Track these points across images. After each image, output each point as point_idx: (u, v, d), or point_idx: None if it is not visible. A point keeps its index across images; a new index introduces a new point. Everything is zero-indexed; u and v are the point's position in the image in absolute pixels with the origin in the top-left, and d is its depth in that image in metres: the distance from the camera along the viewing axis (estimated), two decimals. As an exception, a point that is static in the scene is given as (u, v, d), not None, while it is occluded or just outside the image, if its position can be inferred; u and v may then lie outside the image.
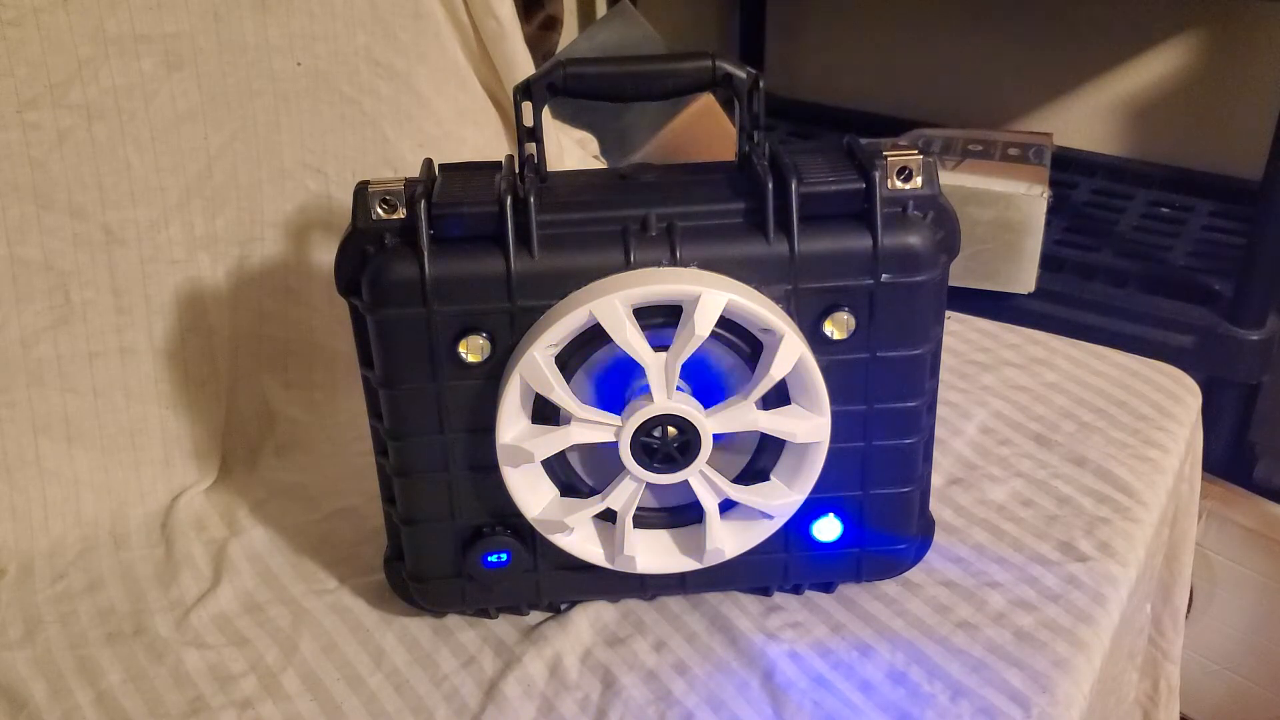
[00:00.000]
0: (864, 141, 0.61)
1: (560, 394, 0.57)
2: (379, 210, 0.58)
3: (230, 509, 0.77)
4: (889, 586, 0.67)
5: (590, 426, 0.58)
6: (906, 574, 0.68)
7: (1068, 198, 1.25)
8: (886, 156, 0.58)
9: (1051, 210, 1.06)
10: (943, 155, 1.12)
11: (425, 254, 0.56)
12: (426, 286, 0.56)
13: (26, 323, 0.72)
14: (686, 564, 0.63)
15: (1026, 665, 0.62)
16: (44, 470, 0.74)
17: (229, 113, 0.78)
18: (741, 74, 0.59)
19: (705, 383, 0.60)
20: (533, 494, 0.60)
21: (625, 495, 0.60)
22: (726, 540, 0.62)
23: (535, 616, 0.67)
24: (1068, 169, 1.30)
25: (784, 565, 0.65)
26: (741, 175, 0.61)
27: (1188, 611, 0.97)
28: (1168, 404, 0.83)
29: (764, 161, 0.59)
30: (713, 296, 0.55)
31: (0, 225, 0.70)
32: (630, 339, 0.55)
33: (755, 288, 0.57)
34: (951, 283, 0.61)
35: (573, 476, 0.62)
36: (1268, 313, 1.03)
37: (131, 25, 0.72)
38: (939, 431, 0.79)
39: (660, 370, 0.56)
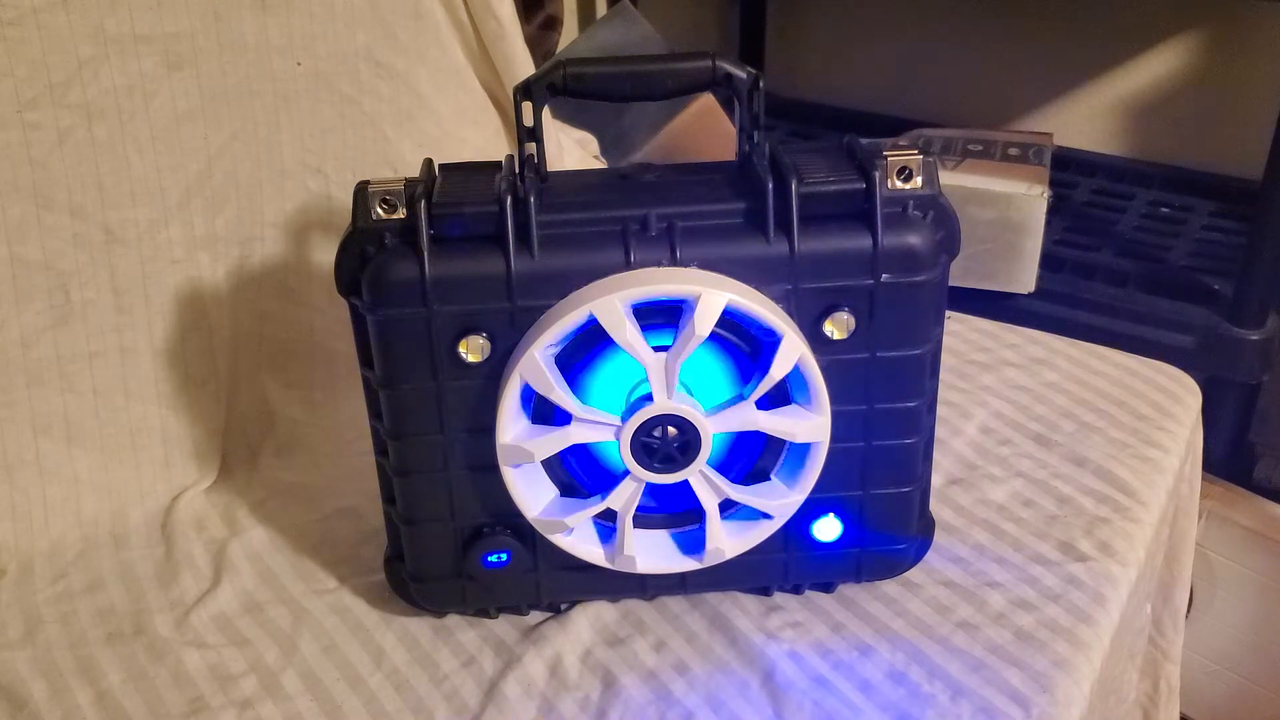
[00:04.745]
0: (864, 141, 0.61)
1: (560, 394, 0.57)
2: (379, 210, 0.58)
3: (230, 509, 0.77)
4: (889, 586, 0.67)
5: (590, 426, 0.58)
6: (906, 574, 0.68)
7: (1068, 198, 1.25)
8: (886, 156, 0.58)
9: (1051, 210, 1.06)
10: (943, 155, 1.11)
11: (425, 254, 0.56)
12: (426, 286, 0.56)
13: (26, 323, 0.72)
14: (686, 564, 0.63)
15: (1026, 665, 0.62)
16: (44, 470, 0.74)
17: (229, 113, 0.78)
18: (741, 74, 0.59)
19: (705, 383, 0.60)
20: (533, 494, 0.60)
21: (625, 495, 0.60)
22: (726, 540, 0.62)
23: (535, 616, 0.67)
24: (1068, 169, 1.30)
25: (784, 565, 0.65)
26: (741, 175, 0.61)
27: (1188, 611, 0.97)
28: (1168, 404, 0.83)
29: (764, 161, 0.59)
30: (713, 296, 0.55)
31: (0, 225, 0.70)
32: (630, 339, 0.55)
33: (755, 288, 0.57)
34: (951, 283, 0.61)
35: (573, 476, 0.62)
36: (1268, 313, 1.03)
37: (131, 25, 0.72)
38: (939, 431, 0.79)
39: (660, 370, 0.56)
